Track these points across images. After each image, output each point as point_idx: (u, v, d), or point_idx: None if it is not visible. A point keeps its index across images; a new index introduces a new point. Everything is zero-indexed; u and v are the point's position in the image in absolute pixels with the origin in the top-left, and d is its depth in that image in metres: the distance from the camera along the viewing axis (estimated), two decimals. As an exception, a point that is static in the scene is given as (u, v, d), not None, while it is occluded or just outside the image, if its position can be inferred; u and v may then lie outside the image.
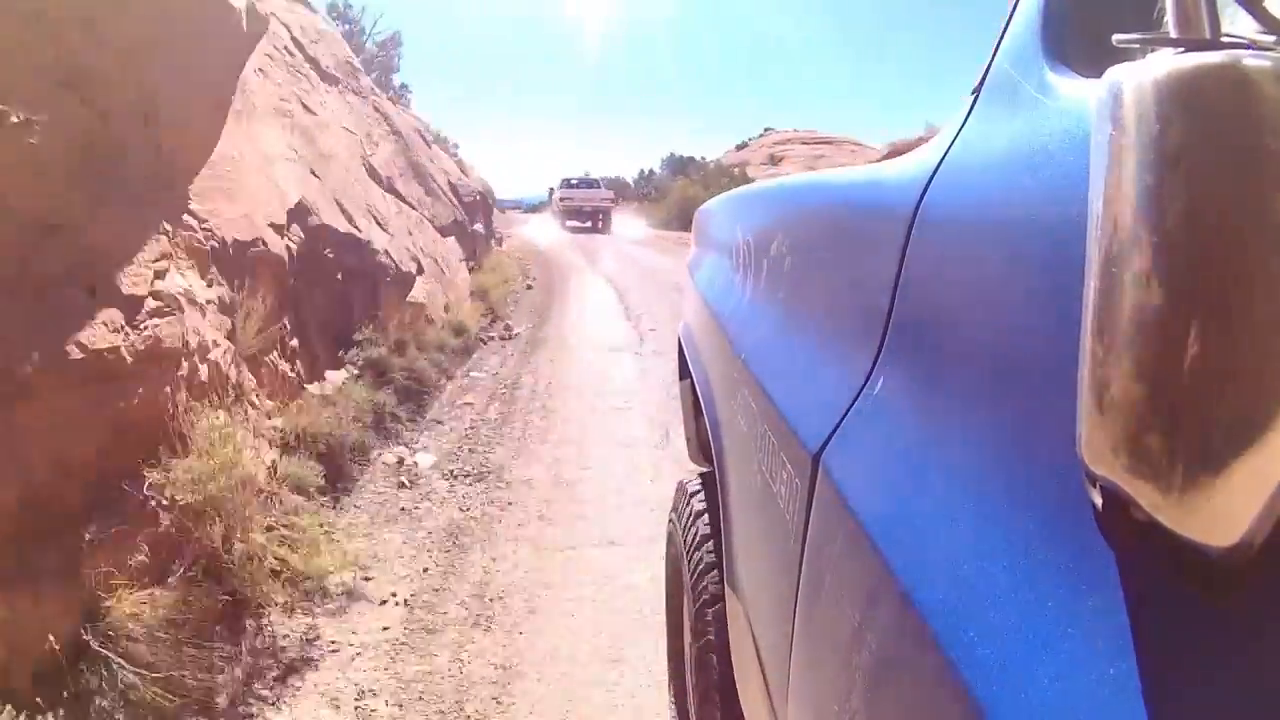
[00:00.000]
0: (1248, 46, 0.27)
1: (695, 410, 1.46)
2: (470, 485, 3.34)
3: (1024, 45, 0.49)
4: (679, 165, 32.96)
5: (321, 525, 2.55)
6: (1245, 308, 0.24)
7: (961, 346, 0.47)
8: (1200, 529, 0.25)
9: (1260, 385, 0.24)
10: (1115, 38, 0.31)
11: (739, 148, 38.05)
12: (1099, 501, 0.29)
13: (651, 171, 35.05)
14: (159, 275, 2.30)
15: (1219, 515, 0.25)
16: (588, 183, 22.41)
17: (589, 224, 19.53)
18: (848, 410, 0.57)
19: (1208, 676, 0.26)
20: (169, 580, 1.99)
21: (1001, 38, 0.53)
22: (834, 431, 0.58)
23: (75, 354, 1.91)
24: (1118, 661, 0.27)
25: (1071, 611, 0.30)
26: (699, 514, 1.25)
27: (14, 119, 1.93)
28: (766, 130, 39.36)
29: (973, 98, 0.55)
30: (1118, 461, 0.27)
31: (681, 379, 1.62)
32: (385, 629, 2.25)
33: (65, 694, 1.66)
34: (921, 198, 0.54)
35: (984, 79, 0.54)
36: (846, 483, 0.53)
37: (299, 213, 3.74)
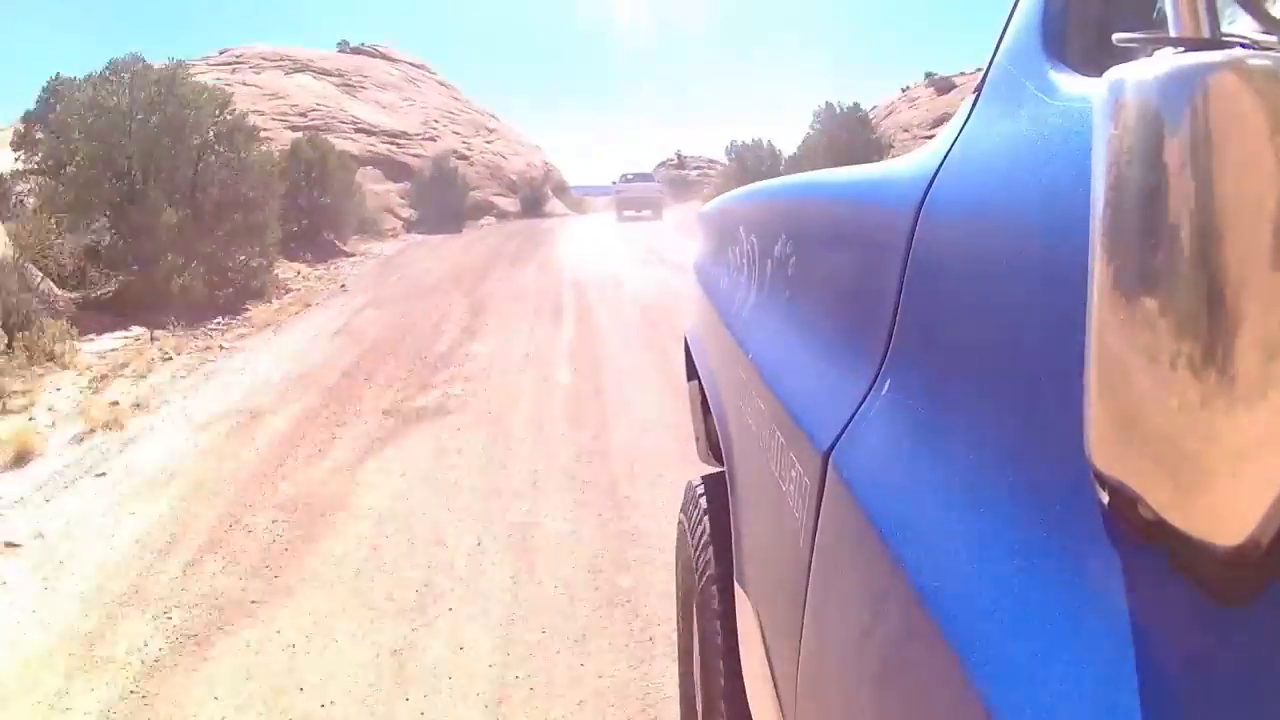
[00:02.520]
0: (1248, 46, 0.27)
1: (704, 411, 1.46)
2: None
3: (1025, 44, 0.49)
4: (842, 117, 20.44)
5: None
6: (1249, 307, 0.24)
7: (967, 346, 0.47)
8: (1207, 528, 0.25)
9: (1266, 384, 0.24)
10: (1116, 37, 0.31)
11: (942, 87, 24.72)
12: (1106, 500, 0.29)
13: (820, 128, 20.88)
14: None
15: (1226, 514, 0.25)
16: (642, 177, 25.58)
17: (645, 212, 22.22)
18: (856, 410, 0.57)
19: (1214, 676, 0.26)
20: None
21: (1002, 37, 0.53)
22: (843, 431, 0.58)
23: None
24: (1124, 660, 0.27)
25: (1079, 610, 0.30)
26: (706, 514, 1.25)
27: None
28: (930, 75, 27.58)
29: (974, 97, 0.55)
30: (1125, 460, 0.28)
31: (690, 380, 1.62)
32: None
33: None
34: (924, 197, 0.54)
35: (985, 78, 0.54)
36: (856, 482, 0.53)
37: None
